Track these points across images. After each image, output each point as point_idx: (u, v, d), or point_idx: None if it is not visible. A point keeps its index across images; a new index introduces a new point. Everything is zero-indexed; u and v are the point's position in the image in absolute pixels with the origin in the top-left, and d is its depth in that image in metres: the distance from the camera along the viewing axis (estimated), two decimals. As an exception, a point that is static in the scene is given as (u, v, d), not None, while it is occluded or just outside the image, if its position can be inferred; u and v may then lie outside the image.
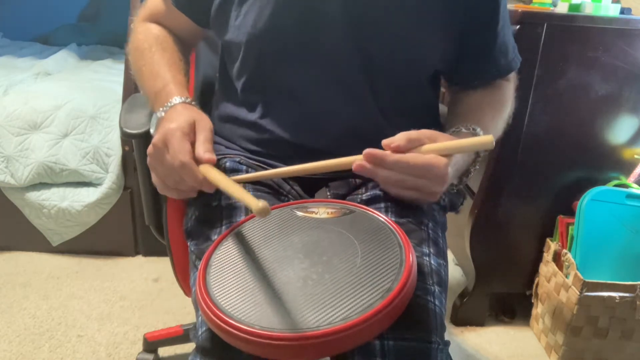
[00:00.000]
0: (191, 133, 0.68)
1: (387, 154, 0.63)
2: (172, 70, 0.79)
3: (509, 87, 0.85)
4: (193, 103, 0.75)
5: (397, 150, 0.63)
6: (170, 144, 0.65)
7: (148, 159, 0.69)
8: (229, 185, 0.64)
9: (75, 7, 2.81)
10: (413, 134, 0.64)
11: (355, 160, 0.64)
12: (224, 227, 0.72)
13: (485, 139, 0.63)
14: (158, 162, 0.67)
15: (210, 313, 0.53)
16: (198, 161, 0.67)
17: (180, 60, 0.83)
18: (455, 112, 0.82)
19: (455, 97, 0.86)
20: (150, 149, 0.68)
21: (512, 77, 0.87)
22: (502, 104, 0.83)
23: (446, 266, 0.74)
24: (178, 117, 0.69)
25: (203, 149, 0.67)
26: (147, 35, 0.84)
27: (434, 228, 0.75)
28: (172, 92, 0.75)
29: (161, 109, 0.74)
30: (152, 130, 0.76)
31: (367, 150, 0.63)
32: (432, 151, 0.63)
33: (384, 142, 0.64)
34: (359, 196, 0.80)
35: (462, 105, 0.82)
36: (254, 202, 0.55)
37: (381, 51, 0.75)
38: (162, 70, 0.78)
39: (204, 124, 0.70)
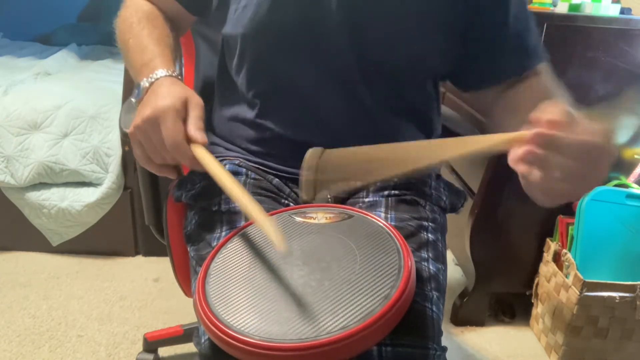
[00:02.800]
0: (183, 110, 0.65)
1: (562, 135, 0.48)
2: (161, 46, 0.75)
3: (547, 78, 0.78)
4: (179, 78, 0.72)
5: (558, 126, 0.48)
6: (164, 123, 0.63)
7: (133, 131, 0.65)
8: (222, 175, 0.62)
9: (75, 7, 2.81)
10: (561, 109, 0.50)
11: (514, 139, 0.50)
12: (223, 233, 0.72)
13: (629, 96, 0.51)
14: (146, 138, 0.64)
15: (209, 323, 0.53)
16: (189, 140, 0.64)
17: (169, 37, 0.79)
18: (516, 106, 0.74)
19: (504, 96, 0.78)
20: (139, 122, 0.64)
21: (542, 70, 0.78)
22: (555, 84, 0.76)
23: (445, 270, 0.73)
24: (168, 93, 0.66)
25: (195, 127, 0.65)
26: (138, 10, 0.82)
27: (433, 231, 0.75)
28: (159, 65, 0.71)
29: (146, 79, 0.70)
30: (133, 100, 0.72)
31: (538, 131, 0.48)
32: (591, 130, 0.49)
33: (538, 131, 0.48)
34: (361, 199, 0.80)
35: (524, 95, 0.74)
36: (262, 218, 0.56)
37: (379, 49, 0.75)
38: (150, 45, 0.75)
39: (195, 101, 0.67)
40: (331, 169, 0.62)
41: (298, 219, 0.67)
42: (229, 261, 0.61)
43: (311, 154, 0.63)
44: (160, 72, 0.70)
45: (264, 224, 0.56)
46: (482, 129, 0.74)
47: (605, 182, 1.38)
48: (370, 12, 0.73)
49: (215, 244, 0.70)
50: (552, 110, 0.49)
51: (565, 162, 0.48)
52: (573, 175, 0.48)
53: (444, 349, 0.65)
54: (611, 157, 0.49)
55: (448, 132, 0.95)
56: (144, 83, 0.70)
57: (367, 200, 0.79)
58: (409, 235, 0.71)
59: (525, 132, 0.49)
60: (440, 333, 0.65)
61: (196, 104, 0.67)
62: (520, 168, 0.50)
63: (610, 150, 0.49)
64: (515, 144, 0.50)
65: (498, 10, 0.75)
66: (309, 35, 0.74)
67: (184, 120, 0.65)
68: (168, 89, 0.67)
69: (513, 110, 0.75)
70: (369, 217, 0.66)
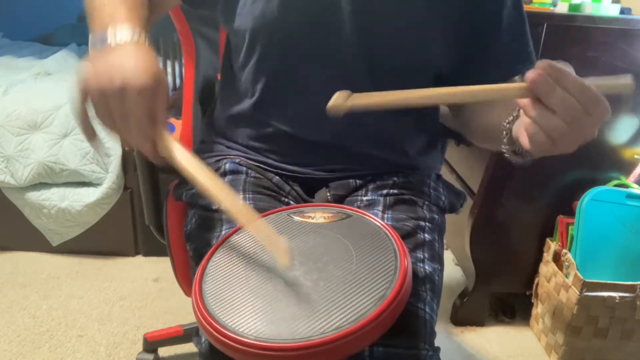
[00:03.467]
0: (155, 90, 0.58)
1: (568, 70, 0.51)
2: (134, 12, 0.66)
3: None
4: (147, 43, 0.62)
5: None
6: (132, 97, 0.56)
7: (90, 84, 0.57)
8: (184, 160, 0.58)
9: (75, 7, 2.81)
10: (563, 63, 0.52)
11: (519, 86, 0.52)
12: (223, 232, 0.72)
13: (625, 80, 0.52)
14: (102, 99, 0.56)
15: (205, 323, 0.53)
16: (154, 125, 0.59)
17: (145, 8, 0.71)
18: (485, 107, 0.75)
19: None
20: (103, 80, 0.56)
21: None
22: None
23: (441, 270, 0.73)
24: (144, 62, 0.58)
25: (162, 112, 0.59)
26: None
27: (430, 232, 0.74)
28: (125, 20, 0.62)
29: (109, 28, 0.61)
30: (90, 48, 0.62)
31: (546, 61, 0.50)
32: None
33: (542, 63, 0.51)
34: (359, 197, 0.80)
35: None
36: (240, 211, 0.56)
37: (386, 49, 0.75)
38: (121, 6, 0.66)
39: (165, 83, 0.60)
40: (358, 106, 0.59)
41: (296, 218, 0.67)
42: (226, 262, 0.61)
43: (337, 95, 0.58)
44: (126, 28, 0.61)
45: (229, 203, 0.57)
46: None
47: (605, 182, 1.38)
48: (378, 12, 0.73)
49: (214, 242, 0.70)
50: (557, 63, 0.51)
51: (568, 98, 0.50)
52: (571, 112, 0.50)
53: (437, 350, 0.65)
54: (603, 111, 0.51)
55: (448, 132, 0.95)
56: (110, 35, 0.60)
57: (365, 199, 0.79)
58: (405, 236, 0.71)
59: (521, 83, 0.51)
60: (432, 333, 0.65)
61: (165, 86, 0.60)
62: (526, 95, 0.52)
63: (604, 104, 0.51)
64: (525, 84, 0.51)
65: (495, 14, 0.75)
66: (315, 32, 0.74)
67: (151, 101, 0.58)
68: (140, 56, 0.59)
69: (492, 105, 0.74)
70: (366, 217, 0.66)
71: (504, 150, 0.61)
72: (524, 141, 0.53)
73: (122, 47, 0.60)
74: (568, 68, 0.51)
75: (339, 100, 0.56)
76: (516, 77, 0.79)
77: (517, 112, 0.59)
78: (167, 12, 0.92)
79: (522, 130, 0.53)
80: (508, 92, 0.53)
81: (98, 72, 0.56)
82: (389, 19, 0.73)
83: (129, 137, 0.59)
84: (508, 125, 0.59)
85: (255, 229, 0.60)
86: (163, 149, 0.60)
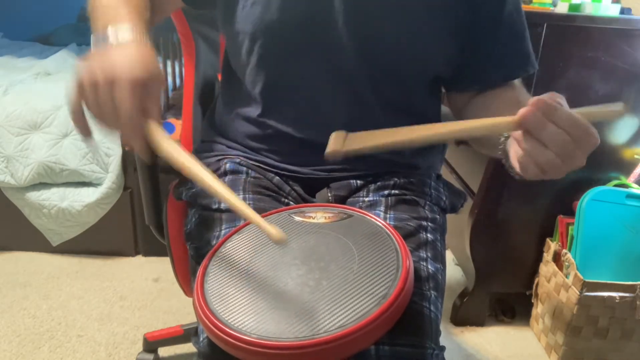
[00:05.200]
0: (146, 85, 0.58)
1: (558, 105, 0.52)
2: (136, 15, 0.67)
3: (520, 92, 0.80)
4: (147, 42, 0.63)
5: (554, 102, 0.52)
6: (121, 90, 0.56)
7: (86, 77, 0.57)
8: (173, 150, 0.58)
9: (75, 7, 2.81)
10: (554, 95, 0.54)
11: (517, 116, 0.53)
12: (223, 231, 0.72)
13: (617, 107, 0.54)
14: (94, 93, 0.57)
15: (207, 322, 0.53)
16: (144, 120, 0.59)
17: (147, 10, 0.72)
18: (490, 107, 0.77)
19: (476, 99, 0.81)
20: (96, 74, 0.56)
21: (517, 83, 0.81)
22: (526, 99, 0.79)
23: (444, 270, 0.74)
24: (138, 57, 0.58)
25: (156, 106, 0.59)
26: None
27: (432, 231, 0.75)
28: (127, 19, 0.64)
29: (110, 27, 0.62)
30: (92, 45, 0.63)
31: (537, 98, 0.52)
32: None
33: (540, 98, 0.52)
34: (361, 198, 0.80)
35: (499, 100, 0.77)
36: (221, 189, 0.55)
37: (384, 50, 0.75)
38: (121, 8, 0.67)
39: (160, 78, 0.61)
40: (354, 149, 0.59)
41: (297, 218, 0.67)
42: (228, 260, 0.61)
43: (334, 139, 0.58)
44: (126, 27, 0.62)
45: (229, 198, 0.56)
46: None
47: (605, 182, 1.38)
48: (376, 13, 0.73)
49: (214, 242, 0.70)
50: (549, 97, 0.53)
51: (559, 132, 0.51)
52: (562, 147, 0.52)
53: (442, 348, 0.65)
54: (593, 142, 0.52)
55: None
56: (111, 34, 0.61)
57: (366, 199, 0.79)
58: (407, 235, 0.71)
59: (512, 117, 0.53)
60: (438, 332, 0.65)
61: (159, 82, 0.61)
62: (518, 129, 0.53)
63: (593, 135, 0.52)
64: (516, 119, 0.53)
65: (493, 16, 0.75)
66: (315, 34, 0.74)
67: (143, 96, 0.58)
68: (137, 52, 0.59)
69: (486, 110, 0.76)
70: (367, 217, 0.66)
71: (502, 159, 0.63)
72: (517, 168, 0.56)
73: (122, 45, 0.60)
74: (560, 100, 0.53)
75: (337, 145, 0.56)
76: (515, 81, 0.80)
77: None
78: (169, 14, 0.93)
79: (515, 159, 0.56)
80: (502, 126, 0.55)
81: (92, 66, 0.57)
82: (385, 20, 0.73)
83: (119, 130, 0.58)
84: (502, 146, 0.62)
85: (244, 213, 0.56)
86: (152, 144, 0.59)
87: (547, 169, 0.53)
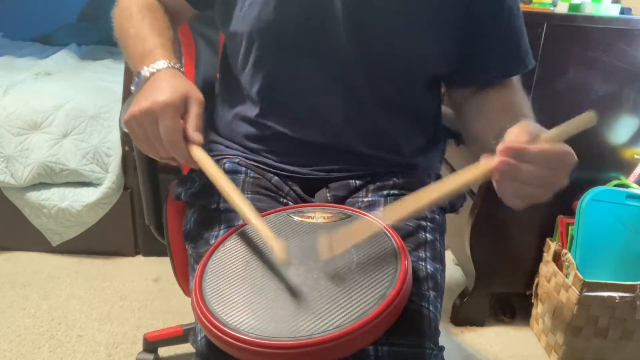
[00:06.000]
0: (182, 107, 0.64)
1: (526, 146, 0.53)
2: (162, 38, 0.74)
3: (517, 90, 0.81)
4: (181, 70, 0.71)
5: (522, 142, 0.54)
6: (162, 120, 0.62)
7: (128, 120, 0.64)
8: (217, 175, 0.64)
9: (75, 7, 2.82)
10: (525, 128, 0.56)
11: (487, 167, 0.56)
12: (222, 231, 0.72)
13: (587, 116, 0.54)
14: (141, 129, 0.64)
15: (205, 321, 0.53)
16: (186, 139, 0.65)
17: (170, 30, 0.78)
18: (483, 110, 0.78)
19: (473, 98, 0.81)
20: (136, 113, 0.63)
21: (515, 81, 0.82)
22: (525, 99, 0.79)
23: (443, 270, 0.73)
24: (169, 86, 0.65)
25: (193, 127, 0.65)
26: (137, 0, 0.80)
27: (432, 231, 0.75)
28: (160, 55, 0.70)
29: (146, 67, 0.69)
30: (133, 89, 0.71)
31: (503, 146, 0.54)
32: (549, 140, 0.55)
33: (507, 144, 0.54)
34: (360, 199, 0.80)
35: (492, 102, 0.78)
36: (272, 241, 0.57)
37: (382, 50, 0.75)
38: (151, 35, 0.74)
39: (196, 96, 0.66)
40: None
41: (296, 218, 0.67)
42: (226, 259, 0.61)
43: (321, 247, 0.59)
44: (162, 63, 0.69)
45: (261, 229, 0.59)
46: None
47: (605, 182, 1.38)
48: (373, 12, 0.73)
49: (213, 241, 0.70)
50: (514, 132, 0.56)
51: (534, 170, 0.53)
52: (541, 180, 0.54)
53: (441, 349, 0.65)
54: (570, 162, 0.54)
55: (448, 132, 0.95)
56: (145, 72, 0.69)
57: (366, 200, 0.79)
58: (407, 235, 0.71)
59: (488, 160, 0.56)
60: (437, 332, 0.65)
61: (196, 100, 0.66)
62: (495, 177, 0.56)
63: (569, 156, 0.54)
64: (490, 169, 0.56)
65: (492, 14, 0.76)
66: (313, 34, 0.74)
67: (183, 117, 0.65)
68: (169, 82, 0.66)
69: (480, 114, 0.77)
70: (366, 217, 0.66)
71: None
72: (504, 200, 0.58)
73: (154, 76, 0.68)
74: (526, 134, 0.54)
75: (325, 254, 0.57)
76: (514, 79, 0.80)
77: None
78: (184, 22, 0.96)
79: (500, 194, 0.58)
80: (480, 177, 0.57)
81: (133, 110, 0.63)
82: (383, 19, 0.73)
83: (165, 154, 0.65)
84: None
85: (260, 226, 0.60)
86: (193, 162, 0.66)
87: (533, 200, 0.56)
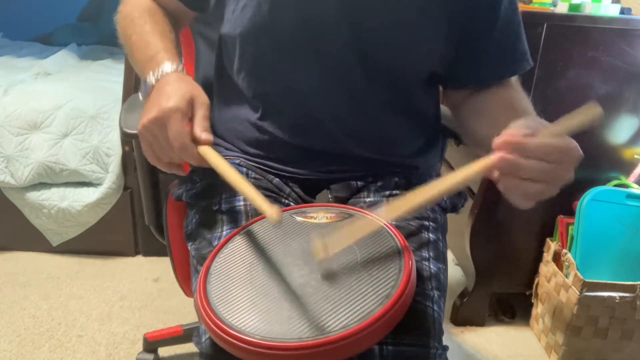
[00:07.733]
0: (189, 110, 0.65)
1: (524, 140, 0.51)
2: (164, 41, 0.76)
3: (517, 89, 0.81)
4: (185, 72, 0.72)
5: (522, 136, 0.52)
6: (170, 126, 0.63)
7: (141, 131, 0.66)
8: (229, 172, 0.64)
9: (75, 7, 2.82)
10: (524, 123, 0.55)
11: (487, 163, 0.53)
12: (224, 232, 0.72)
13: (591, 109, 0.51)
14: (154, 138, 0.65)
15: (210, 322, 0.53)
16: (195, 140, 0.65)
17: (171, 32, 0.80)
18: (483, 110, 0.77)
19: (472, 98, 0.81)
20: (145, 123, 0.64)
21: (514, 80, 0.81)
22: (525, 97, 0.79)
23: (446, 270, 0.73)
24: (174, 92, 0.66)
25: (201, 129, 0.65)
26: (138, 5, 0.82)
27: (434, 231, 0.75)
28: (164, 59, 0.71)
29: (152, 73, 0.70)
30: (141, 97, 0.73)
31: (501, 140, 0.52)
32: (551, 134, 0.53)
33: (504, 138, 0.52)
34: (362, 200, 0.80)
35: (494, 101, 0.77)
36: (267, 209, 0.57)
37: (380, 51, 0.74)
38: (153, 39, 0.75)
39: (201, 99, 0.67)
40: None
41: (299, 218, 0.67)
42: (230, 260, 0.61)
43: (316, 249, 0.59)
44: (166, 67, 0.70)
45: (260, 204, 0.59)
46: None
47: (605, 182, 1.38)
48: (370, 12, 0.73)
49: (216, 243, 0.70)
50: (513, 127, 0.54)
51: (535, 165, 0.51)
52: (543, 175, 0.52)
53: (446, 348, 0.65)
54: (575, 156, 0.52)
55: (448, 132, 0.95)
56: (150, 79, 0.70)
57: (368, 200, 0.79)
58: (410, 235, 0.71)
59: (489, 157, 0.53)
60: (441, 332, 0.65)
61: (202, 103, 0.67)
62: (495, 174, 0.54)
63: (573, 150, 0.52)
64: (489, 166, 0.53)
65: (489, 14, 0.75)
66: (309, 36, 0.74)
67: (190, 120, 0.66)
68: (174, 87, 0.67)
69: (480, 114, 0.77)
70: (369, 217, 0.66)
71: None
72: (510, 199, 0.56)
73: (160, 82, 0.69)
74: (527, 128, 0.52)
75: (321, 255, 0.57)
76: (512, 79, 0.79)
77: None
78: (186, 24, 0.96)
79: (505, 194, 0.56)
80: (479, 171, 0.55)
81: (143, 115, 0.65)
82: (380, 19, 0.73)
83: (177, 159, 0.66)
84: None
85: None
86: (203, 162, 0.66)
87: (538, 197, 0.54)
